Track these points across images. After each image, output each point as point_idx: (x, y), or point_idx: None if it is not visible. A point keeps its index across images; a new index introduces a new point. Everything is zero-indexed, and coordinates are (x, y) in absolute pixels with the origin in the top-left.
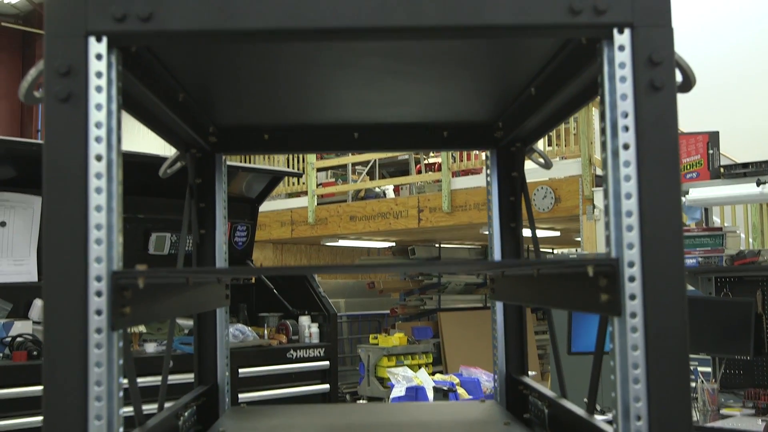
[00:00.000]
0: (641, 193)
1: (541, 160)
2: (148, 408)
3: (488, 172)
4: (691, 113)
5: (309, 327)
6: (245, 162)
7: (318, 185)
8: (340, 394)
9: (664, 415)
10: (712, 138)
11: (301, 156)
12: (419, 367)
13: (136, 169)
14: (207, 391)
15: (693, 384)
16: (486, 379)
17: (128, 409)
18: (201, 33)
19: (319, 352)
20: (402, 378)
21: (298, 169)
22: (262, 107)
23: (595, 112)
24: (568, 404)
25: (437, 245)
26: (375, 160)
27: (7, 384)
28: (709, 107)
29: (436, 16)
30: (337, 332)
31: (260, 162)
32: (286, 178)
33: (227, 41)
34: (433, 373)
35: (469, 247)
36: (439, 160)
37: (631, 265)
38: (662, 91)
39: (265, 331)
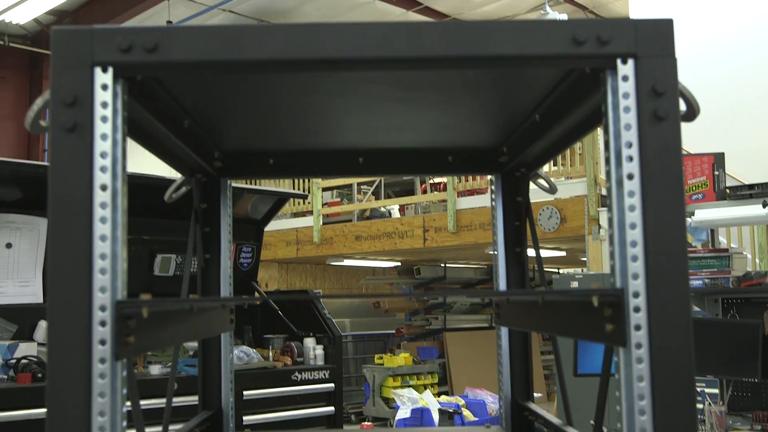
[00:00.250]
0: (646, 224)
1: (546, 185)
2: None
3: (493, 196)
4: (697, 134)
5: (314, 349)
6: (250, 183)
7: (323, 205)
8: (345, 415)
9: None
10: (718, 159)
11: None
12: (425, 388)
13: (142, 190)
14: (211, 416)
15: (700, 406)
16: (491, 401)
17: None
18: (205, 63)
19: (324, 375)
20: (407, 399)
21: (304, 190)
22: (266, 133)
23: (600, 133)
24: None
25: (442, 265)
26: (380, 180)
27: (12, 406)
28: (714, 128)
29: (438, 47)
30: (342, 353)
31: (266, 183)
32: (292, 198)
33: (231, 71)
34: (438, 394)
35: (474, 267)
36: (444, 179)
37: (636, 295)
38: (666, 122)
39: (270, 353)
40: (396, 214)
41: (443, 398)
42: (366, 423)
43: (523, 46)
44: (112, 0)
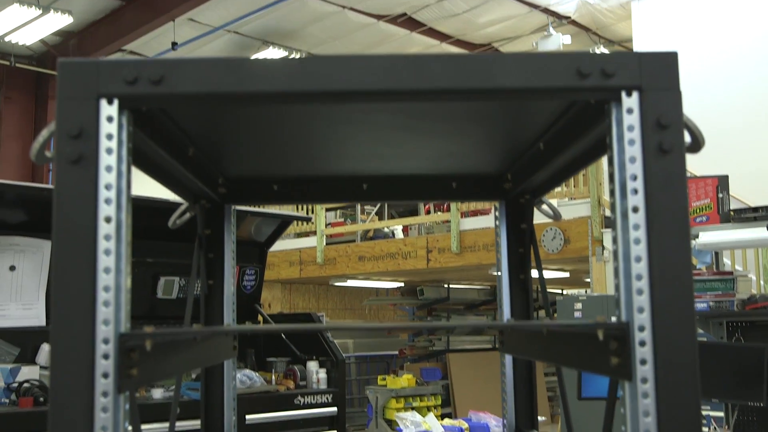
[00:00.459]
0: (651, 258)
1: (551, 212)
2: None
3: (497, 223)
4: (701, 156)
5: (317, 373)
6: (254, 206)
7: (327, 225)
8: None
9: None
10: (722, 182)
11: None
12: (428, 410)
13: (145, 213)
14: None
15: (705, 430)
16: (495, 424)
17: None
18: (211, 96)
19: (327, 399)
20: (410, 423)
21: (308, 211)
22: (270, 159)
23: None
24: None
25: (446, 285)
26: None
27: (14, 431)
28: (719, 150)
29: (445, 79)
30: (345, 376)
31: (269, 206)
32: (295, 220)
33: (237, 103)
34: (441, 416)
35: (478, 287)
36: None
37: (641, 329)
38: (671, 154)
39: (273, 377)
40: (399, 234)
41: (447, 422)
42: None
43: (528, 78)
44: (117, 21)
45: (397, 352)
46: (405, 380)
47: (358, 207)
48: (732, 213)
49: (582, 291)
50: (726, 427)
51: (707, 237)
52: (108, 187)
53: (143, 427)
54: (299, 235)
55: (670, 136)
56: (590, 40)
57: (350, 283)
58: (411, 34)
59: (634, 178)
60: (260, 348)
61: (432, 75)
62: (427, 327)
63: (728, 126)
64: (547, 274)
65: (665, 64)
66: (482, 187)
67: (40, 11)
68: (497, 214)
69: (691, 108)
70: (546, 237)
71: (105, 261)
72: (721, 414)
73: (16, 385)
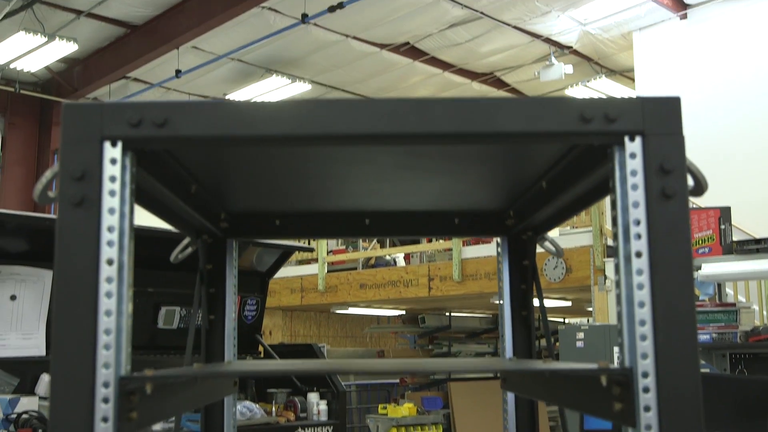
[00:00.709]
0: (654, 303)
1: (553, 249)
2: None
3: (499, 259)
4: None
5: (317, 404)
6: None
7: (328, 252)
8: None
9: None
10: (724, 213)
11: None
12: None
13: (147, 243)
14: None
15: None
16: None
17: None
18: (214, 139)
19: (328, 431)
20: None
21: (309, 241)
22: (273, 195)
23: None
24: None
25: (447, 314)
26: None
27: None
28: (721, 180)
29: (448, 123)
30: (346, 408)
31: None
32: (298, 251)
33: (241, 146)
34: None
35: (480, 316)
36: None
37: (645, 375)
38: (674, 199)
39: (273, 408)
40: (401, 262)
41: None
42: None
43: (531, 123)
44: (122, 49)
45: (398, 381)
46: (406, 409)
47: None
48: (735, 244)
49: (584, 320)
50: None
51: (710, 269)
52: (110, 229)
53: None
54: (301, 262)
55: (673, 181)
56: (592, 69)
57: (351, 310)
58: (413, 62)
59: (638, 222)
60: (260, 379)
61: (435, 119)
62: (430, 371)
63: (730, 156)
64: (549, 303)
65: (668, 109)
66: (484, 223)
67: (46, 38)
68: (499, 250)
69: (692, 138)
70: (548, 266)
71: (106, 304)
72: None
73: (15, 416)
